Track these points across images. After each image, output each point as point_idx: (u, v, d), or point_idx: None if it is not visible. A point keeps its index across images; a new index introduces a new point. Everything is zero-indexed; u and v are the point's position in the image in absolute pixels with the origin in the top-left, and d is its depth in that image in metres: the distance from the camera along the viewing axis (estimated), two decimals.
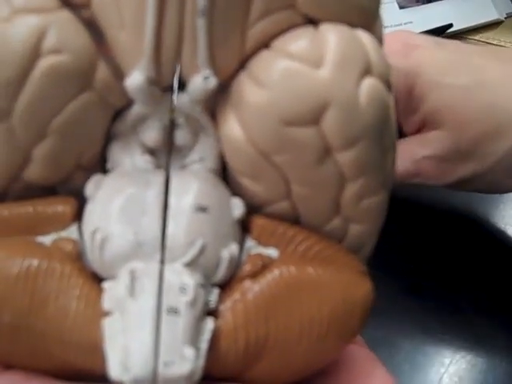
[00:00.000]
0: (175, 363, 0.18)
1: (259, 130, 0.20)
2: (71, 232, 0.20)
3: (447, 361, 0.39)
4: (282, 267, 0.20)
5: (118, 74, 0.20)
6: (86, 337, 0.19)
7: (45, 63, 0.18)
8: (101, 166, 0.22)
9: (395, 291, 0.42)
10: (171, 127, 0.21)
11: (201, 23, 0.18)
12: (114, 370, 0.18)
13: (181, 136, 0.21)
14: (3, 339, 0.19)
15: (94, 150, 0.21)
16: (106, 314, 0.19)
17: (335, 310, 0.20)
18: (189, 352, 0.19)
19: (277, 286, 0.20)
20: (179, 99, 0.20)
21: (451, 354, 0.40)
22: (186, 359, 0.19)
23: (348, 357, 0.22)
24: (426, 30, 0.57)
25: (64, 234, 0.20)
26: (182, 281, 0.19)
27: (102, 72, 0.19)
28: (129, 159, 0.21)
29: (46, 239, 0.20)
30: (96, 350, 0.19)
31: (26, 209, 0.20)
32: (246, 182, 0.21)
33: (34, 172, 0.20)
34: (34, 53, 0.18)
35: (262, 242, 0.21)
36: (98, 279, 0.20)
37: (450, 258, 0.44)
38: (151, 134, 0.21)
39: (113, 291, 0.19)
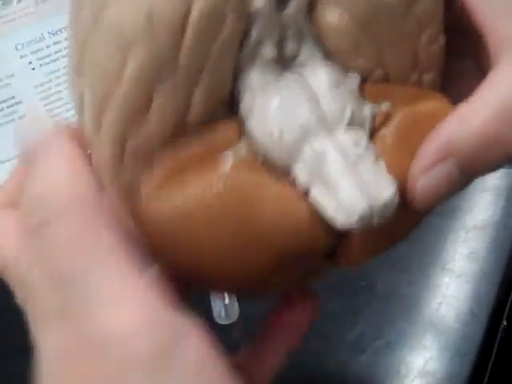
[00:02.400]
0: (381, 191, 0.23)
1: (355, 8, 0.24)
2: (240, 148, 0.24)
3: None
4: (399, 111, 0.25)
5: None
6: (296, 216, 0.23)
7: (196, 11, 0.22)
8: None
9: None
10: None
11: None
12: (339, 218, 0.23)
13: (290, 46, 0.25)
14: (224, 250, 0.23)
15: (230, 84, 0.24)
16: (305, 191, 0.24)
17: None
18: (387, 181, 0.24)
19: (407, 124, 0.25)
20: (290, 10, 0.24)
21: None
22: (388, 185, 0.23)
23: None
24: None
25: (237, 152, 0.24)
26: (352, 138, 0.24)
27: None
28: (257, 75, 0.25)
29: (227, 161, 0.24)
30: (309, 222, 0.23)
31: (200, 142, 0.24)
32: (350, 62, 0.26)
33: (195, 113, 0.23)
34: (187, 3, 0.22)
35: (377, 101, 0.26)
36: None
37: None
38: (268, 50, 0.25)
39: (304, 168, 0.24)
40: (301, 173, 0.24)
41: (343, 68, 0.26)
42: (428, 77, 0.27)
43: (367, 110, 0.25)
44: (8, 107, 0.50)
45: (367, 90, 0.26)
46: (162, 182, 0.24)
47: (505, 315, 0.45)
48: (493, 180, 0.55)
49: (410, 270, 0.46)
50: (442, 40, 0.26)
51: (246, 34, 0.24)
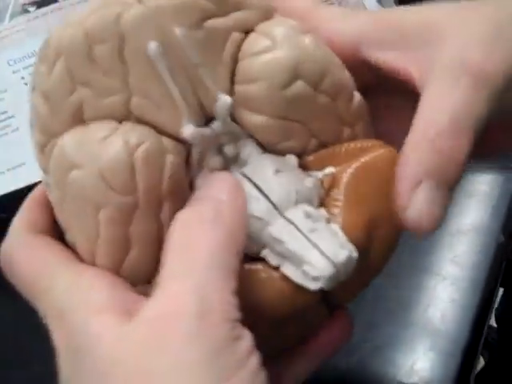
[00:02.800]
0: (339, 252, 0.26)
1: (269, 106, 0.27)
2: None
3: None
4: (344, 170, 0.28)
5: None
6: None
7: (138, 161, 0.25)
8: None
9: None
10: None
11: (203, 71, 0.27)
12: (310, 285, 0.26)
13: (229, 150, 0.28)
14: None
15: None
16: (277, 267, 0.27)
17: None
18: (342, 241, 0.27)
19: (354, 180, 0.28)
20: (217, 126, 0.28)
21: None
22: (343, 244, 0.26)
23: None
24: None
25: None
26: (302, 213, 0.27)
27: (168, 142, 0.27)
28: None
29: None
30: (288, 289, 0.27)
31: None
32: (284, 146, 0.29)
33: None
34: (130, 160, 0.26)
35: (321, 168, 0.29)
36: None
37: None
38: (212, 160, 0.28)
39: (270, 252, 0.27)
40: (269, 256, 0.27)
41: (280, 153, 0.29)
42: (359, 127, 0.30)
43: (310, 183, 0.28)
44: (1, 121, 0.51)
45: (309, 161, 0.29)
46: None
47: (489, 317, 0.46)
48: (479, 186, 0.56)
49: (397, 274, 0.47)
50: (357, 96, 0.30)
51: (188, 154, 0.28)
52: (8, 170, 0.50)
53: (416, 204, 0.26)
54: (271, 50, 0.27)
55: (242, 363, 0.22)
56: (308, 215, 0.27)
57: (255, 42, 0.28)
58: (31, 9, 0.52)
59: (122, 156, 0.25)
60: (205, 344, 0.22)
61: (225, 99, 0.27)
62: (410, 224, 0.27)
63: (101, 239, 0.26)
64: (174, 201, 0.27)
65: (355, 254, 0.27)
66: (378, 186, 0.28)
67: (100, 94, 0.26)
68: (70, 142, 0.26)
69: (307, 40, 0.28)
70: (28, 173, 0.49)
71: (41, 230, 0.29)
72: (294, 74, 0.27)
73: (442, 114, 0.26)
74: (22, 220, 0.29)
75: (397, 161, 0.28)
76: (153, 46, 0.26)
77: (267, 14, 0.29)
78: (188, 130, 0.27)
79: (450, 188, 0.27)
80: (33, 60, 0.51)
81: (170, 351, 0.22)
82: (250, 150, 0.29)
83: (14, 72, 0.51)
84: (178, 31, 0.26)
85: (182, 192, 0.27)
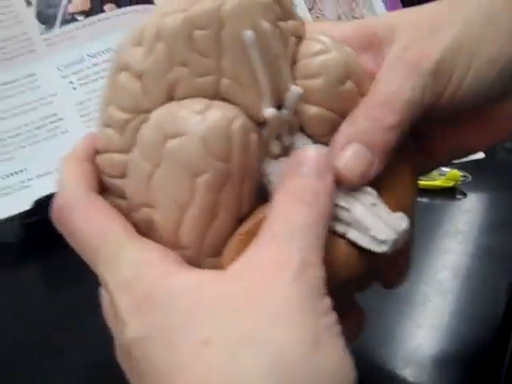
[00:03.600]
0: (399, 222, 0.30)
1: (326, 99, 0.31)
2: None
3: None
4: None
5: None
6: None
7: (236, 130, 0.29)
8: None
9: None
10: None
11: (282, 63, 0.30)
12: (375, 248, 0.30)
13: (287, 139, 0.31)
14: None
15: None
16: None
17: None
18: (399, 215, 0.30)
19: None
20: (284, 114, 0.31)
21: None
22: (401, 217, 0.30)
23: None
24: None
25: None
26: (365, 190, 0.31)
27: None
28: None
29: None
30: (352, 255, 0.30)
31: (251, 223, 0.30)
32: (328, 139, 0.32)
33: (245, 206, 0.30)
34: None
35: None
36: None
37: None
38: (275, 147, 0.31)
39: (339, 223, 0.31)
40: (335, 225, 0.30)
41: (324, 144, 0.32)
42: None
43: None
44: (51, 123, 0.54)
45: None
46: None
47: (482, 328, 0.48)
48: (474, 199, 0.60)
49: None
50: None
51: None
52: (56, 170, 0.53)
53: (344, 157, 0.31)
54: (325, 52, 0.31)
55: (327, 312, 0.26)
56: (367, 192, 0.31)
57: (310, 45, 0.32)
58: (80, 17, 0.55)
59: (223, 124, 0.28)
60: (306, 288, 0.26)
61: (297, 89, 0.30)
62: (337, 174, 0.30)
63: (194, 205, 0.28)
64: (251, 177, 0.29)
65: (409, 226, 0.30)
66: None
67: (195, 74, 0.29)
68: (166, 114, 0.29)
69: (345, 46, 0.32)
70: None
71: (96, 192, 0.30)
72: (346, 73, 0.31)
73: (379, 94, 0.31)
74: (77, 176, 0.30)
75: None
76: (249, 33, 0.29)
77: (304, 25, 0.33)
78: (270, 111, 0.30)
79: (376, 152, 0.31)
80: (81, 65, 0.54)
81: (280, 288, 0.26)
82: (304, 141, 0.32)
83: (63, 77, 0.54)
84: (266, 24, 0.29)
85: (256, 170, 0.30)
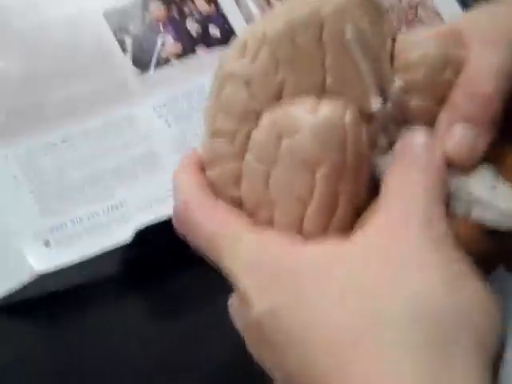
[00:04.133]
0: None
1: (430, 89, 0.32)
2: None
3: None
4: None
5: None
6: None
7: (349, 126, 0.30)
8: None
9: None
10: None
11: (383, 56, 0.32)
12: (504, 221, 0.30)
13: (393, 133, 0.32)
14: None
15: None
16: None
17: None
18: None
19: None
20: (389, 107, 0.32)
21: None
22: None
23: None
24: None
25: None
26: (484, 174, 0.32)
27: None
28: None
29: None
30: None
31: None
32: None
33: (362, 198, 0.32)
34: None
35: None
36: None
37: None
38: (383, 140, 0.32)
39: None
40: (456, 205, 0.31)
41: None
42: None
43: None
44: (148, 160, 0.56)
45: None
46: None
47: None
48: None
49: None
50: None
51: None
52: (152, 205, 0.55)
53: (450, 139, 0.31)
54: (423, 45, 0.33)
55: (461, 260, 0.27)
56: (485, 172, 0.31)
57: (405, 41, 0.33)
58: (173, 59, 0.58)
59: (335, 117, 0.30)
60: (437, 235, 0.27)
61: (399, 82, 0.32)
62: (448, 158, 0.31)
63: (314, 198, 0.30)
64: (365, 168, 0.31)
65: None
66: None
67: (301, 73, 0.31)
68: (278, 115, 0.30)
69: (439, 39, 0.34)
70: (170, 208, 0.53)
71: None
72: (445, 62, 0.32)
73: (470, 70, 0.32)
74: (194, 182, 0.32)
75: None
76: (350, 27, 0.31)
77: None
78: (377, 104, 0.31)
79: (480, 124, 0.31)
80: (175, 104, 0.57)
81: (409, 238, 0.27)
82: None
83: (158, 116, 0.57)
84: (364, 21, 0.31)
85: (368, 162, 0.31)
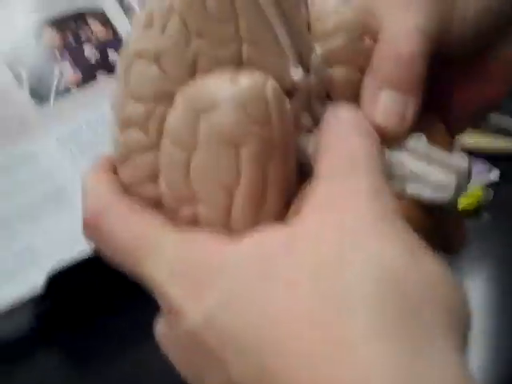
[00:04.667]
0: (459, 163, 0.28)
1: (351, 56, 0.30)
2: None
3: None
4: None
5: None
6: None
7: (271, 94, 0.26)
8: None
9: None
10: None
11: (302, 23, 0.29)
12: (438, 196, 0.28)
13: (317, 109, 0.29)
14: None
15: None
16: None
17: None
18: (458, 155, 0.29)
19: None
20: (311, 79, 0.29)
21: None
22: (460, 157, 0.29)
23: None
24: None
25: None
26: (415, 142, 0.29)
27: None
28: None
29: None
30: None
31: None
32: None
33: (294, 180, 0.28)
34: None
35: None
36: None
37: None
38: (306, 120, 0.29)
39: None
40: (394, 185, 0.28)
41: None
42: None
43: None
44: (54, 196, 0.52)
45: None
46: None
47: None
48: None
49: None
50: None
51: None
52: (63, 246, 0.51)
53: (377, 107, 0.29)
54: (338, 11, 0.30)
55: (412, 232, 0.25)
56: (416, 141, 0.29)
57: (320, 8, 0.31)
58: (73, 88, 0.55)
59: (256, 87, 0.26)
60: (385, 209, 0.25)
61: (320, 50, 0.29)
62: (377, 128, 0.28)
63: (241, 185, 0.26)
64: (293, 149, 0.27)
65: (471, 165, 0.28)
66: None
67: (214, 44, 0.27)
68: (193, 90, 0.27)
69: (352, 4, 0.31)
70: (85, 247, 0.49)
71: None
72: (363, 29, 0.30)
73: (388, 33, 0.30)
74: (103, 182, 0.28)
75: None
76: None
77: None
78: (298, 74, 0.28)
79: (407, 89, 0.29)
80: (79, 135, 0.54)
81: (356, 214, 0.24)
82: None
83: (63, 150, 0.53)
84: None
85: (295, 143, 0.28)
